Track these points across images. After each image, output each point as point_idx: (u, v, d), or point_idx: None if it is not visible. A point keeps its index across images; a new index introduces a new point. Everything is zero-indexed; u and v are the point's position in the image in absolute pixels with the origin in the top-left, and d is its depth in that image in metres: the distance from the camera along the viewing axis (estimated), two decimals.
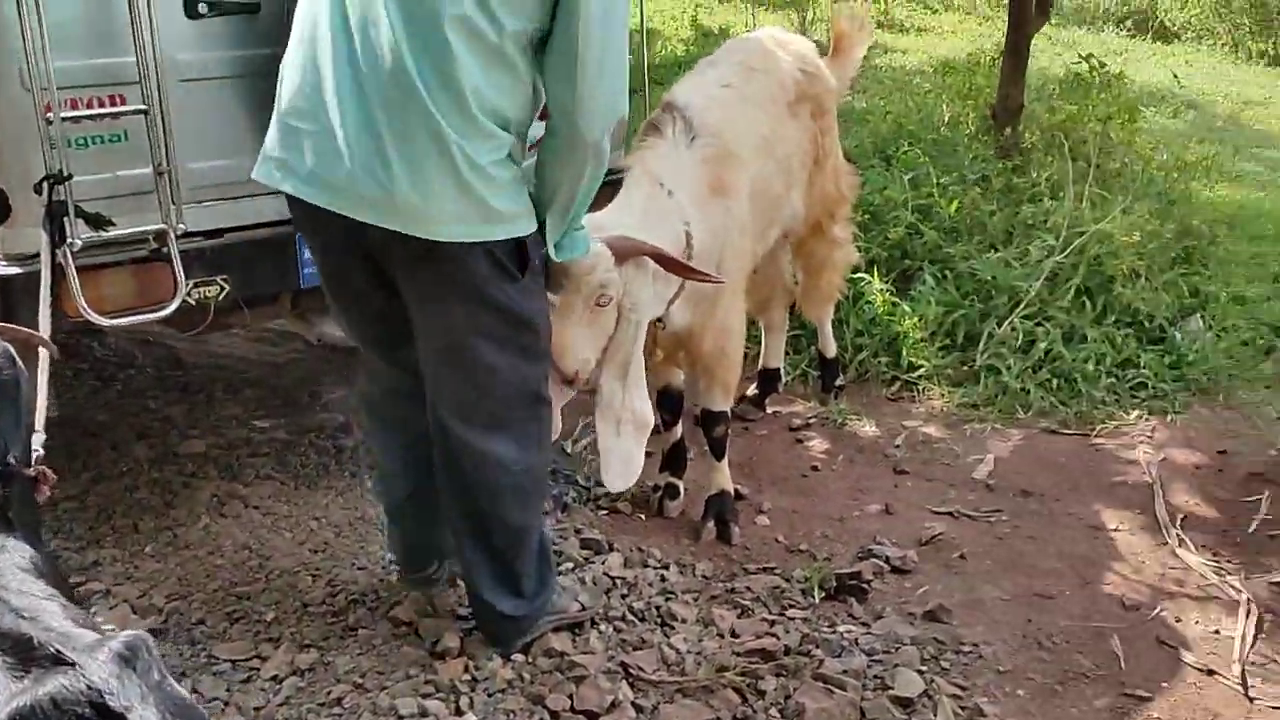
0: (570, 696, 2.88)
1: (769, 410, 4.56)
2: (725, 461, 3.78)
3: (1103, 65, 5.49)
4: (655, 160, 3.23)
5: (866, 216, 5.24)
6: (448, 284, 2.56)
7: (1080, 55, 5.81)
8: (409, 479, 3.04)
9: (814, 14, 10.68)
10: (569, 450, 4.24)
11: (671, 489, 3.88)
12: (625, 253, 2.97)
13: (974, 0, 12.64)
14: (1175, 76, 9.61)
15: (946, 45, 10.58)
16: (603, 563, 3.51)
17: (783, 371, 4.60)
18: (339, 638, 3.10)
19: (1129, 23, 12.24)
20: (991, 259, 4.89)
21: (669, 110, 3.34)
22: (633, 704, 2.87)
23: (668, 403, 3.83)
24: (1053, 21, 12.05)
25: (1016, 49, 5.43)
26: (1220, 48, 11.58)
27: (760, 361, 4.55)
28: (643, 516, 3.88)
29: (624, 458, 3.13)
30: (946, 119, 5.85)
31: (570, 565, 3.48)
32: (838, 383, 4.62)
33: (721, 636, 3.16)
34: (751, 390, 4.55)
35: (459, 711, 2.82)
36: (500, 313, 2.61)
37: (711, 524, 3.73)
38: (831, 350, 4.59)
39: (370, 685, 2.91)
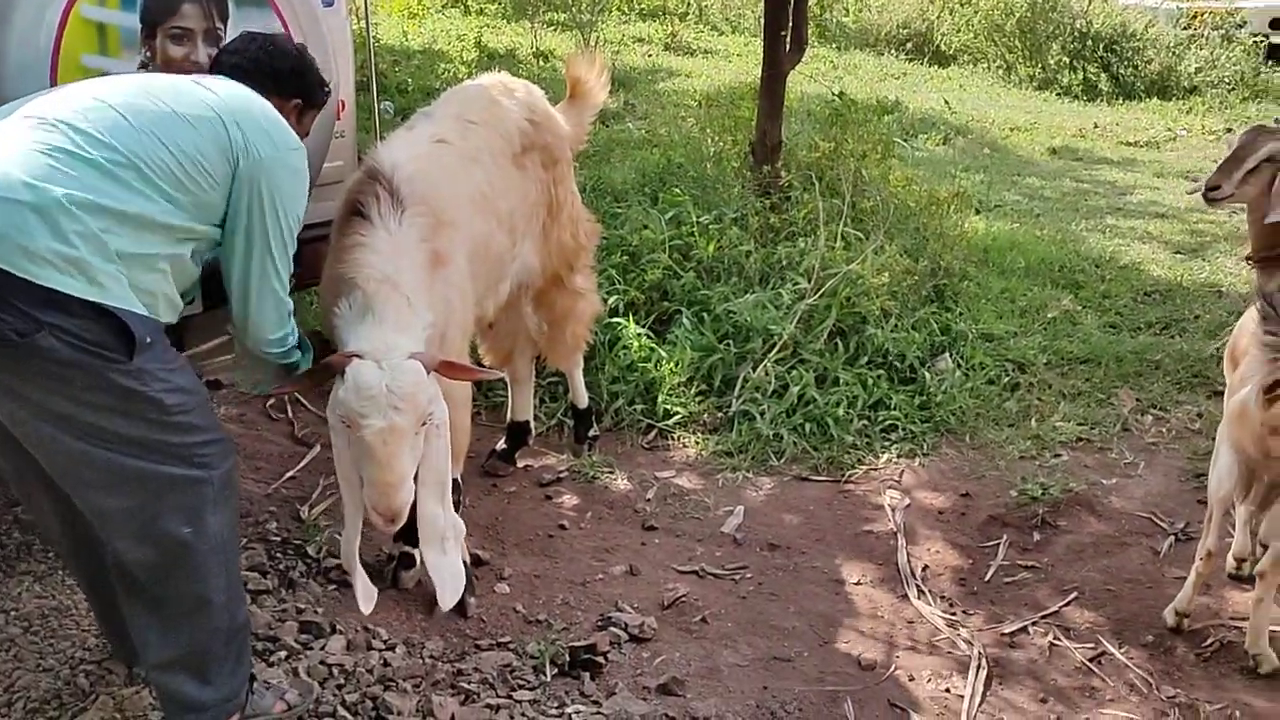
0: None
1: (520, 465, 4.39)
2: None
3: (853, 102, 5.54)
4: (381, 262, 2.96)
5: (625, 258, 5.13)
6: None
7: (834, 93, 5.85)
8: (86, 554, 2.73)
9: (600, 35, 10.61)
10: (303, 517, 3.97)
11: (406, 559, 3.66)
12: (429, 367, 2.85)
13: (760, 23, 12.80)
14: (947, 103, 9.95)
15: (732, 69, 10.66)
16: (322, 648, 3.27)
17: (532, 424, 4.43)
18: None
19: (909, 45, 12.63)
20: (748, 301, 4.85)
21: (372, 180, 3.07)
22: None
23: None
24: (835, 46, 12.39)
25: (772, 87, 5.43)
26: (993, 71, 12.05)
27: (509, 415, 4.38)
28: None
29: (454, 573, 3.02)
30: (711, 154, 5.81)
31: (284, 654, 3.22)
32: (591, 434, 4.49)
33: None
34: (501, 445, 4.38)
35: None
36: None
37: None
38: (583, 401, 4.46)
39: None
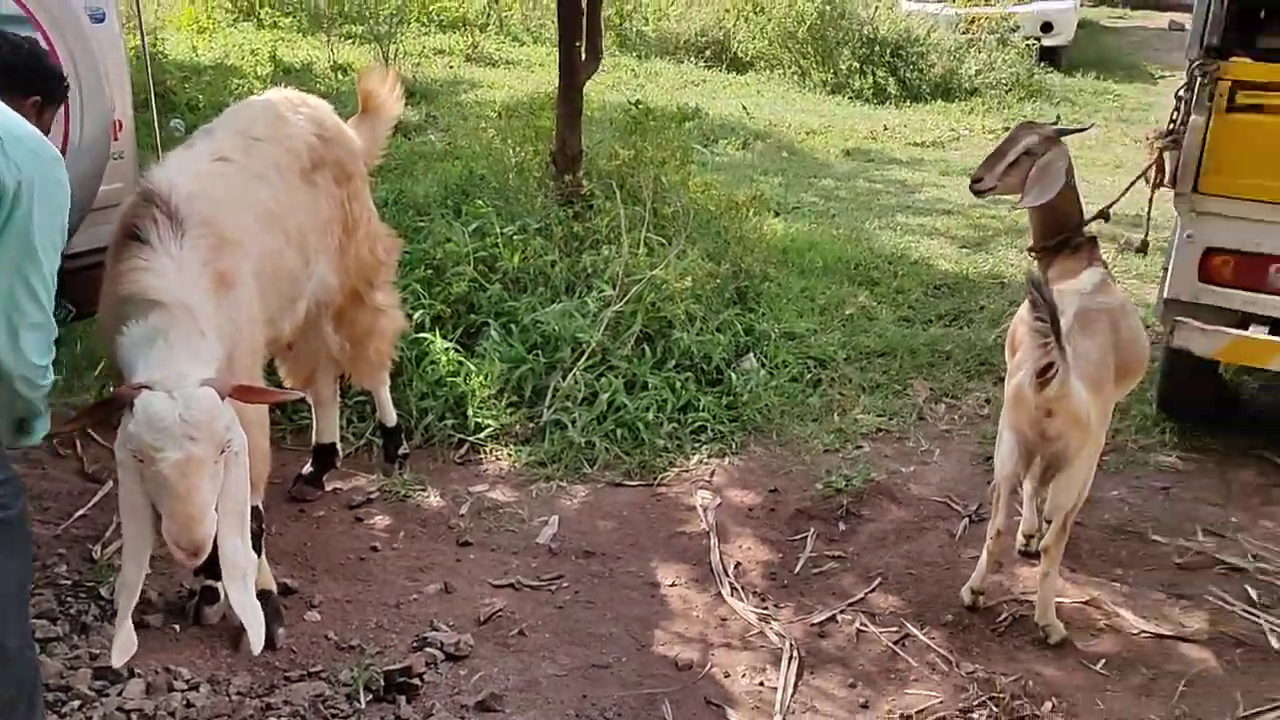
0: None
1: (329, 488, 4.27)
2: (264, 559, 3.45)
3: (650, 110, 5.61)
4: (165, 287, 2.83)
5: (429, 272, 5.06)
6: None
7: (630, 101, 5.92)
8: None
9: (399, 48, 10.43)
10: (96, 557, 3.76)
11: (208, 593, 3.51)
12: (223, 393, 2.75)
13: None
14: (745, 109, 10.20)
15: (535, 79, 10.65)
16: (119, 693, 3.11)
17: (339, 446, 4.31)
18: None
19: (707, 53, 12.89)
20: (555, 310, 4.85)
21: (149, 203, 2.92)
22: None
23: None
24: (636, 54, 12.54)
25: (569, 96, 5.45)
26: (789, 76, 12.41)
27: (314, 438, 4.25)
28: (177, 628, 3.48)
29: (256, 609, 2.90)
30: (513, 165, 5.78)
31: (78, 703, 3.05)
32: (401, 452, 4.41)
33: None
34: (307, 469, 4.25)
35: None
36: None
37: None
38: (391, 419, 4.37)
39: None
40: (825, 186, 8.09)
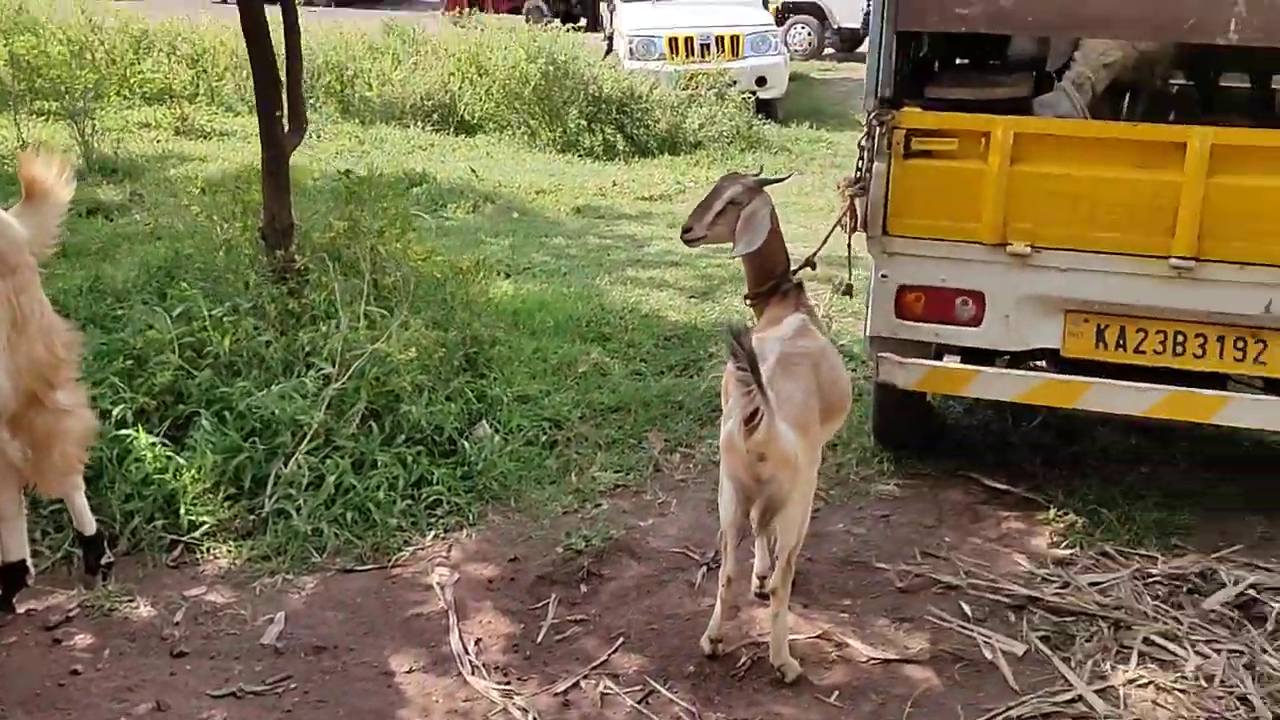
0: None
1: (20, 610, 3.89)
2: None
3: (363, 179, 5.47)
4: None
5: (129, 362, 4.73)
6: None
7: (340, 171, 5.77)
8: None
9: (95, 124, 9.83)
10: None
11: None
12: None
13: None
14: (474, 172, 10.18)
15: (251, 149, 10.25)
16: None
17: (30, 563, 3.94)
18: None
19: (434, 116, 12.83)
20: (273, 393, 4.62)
21: None
22: None
23: None
24: (360, 121, 12.33)
25: (274, 169, 5.24)
26: (518, 137, 12.49)
27: None
28: None
29: None
30: (220, 242, 5.52)
31: None
32: (104, 561, 4.07)
33: None
34: None
35: None
36: None
37: None
38: (90, 527, 4.04)
39: None
40: (556, 245, 8.13)
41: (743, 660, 3.71)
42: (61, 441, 3.72)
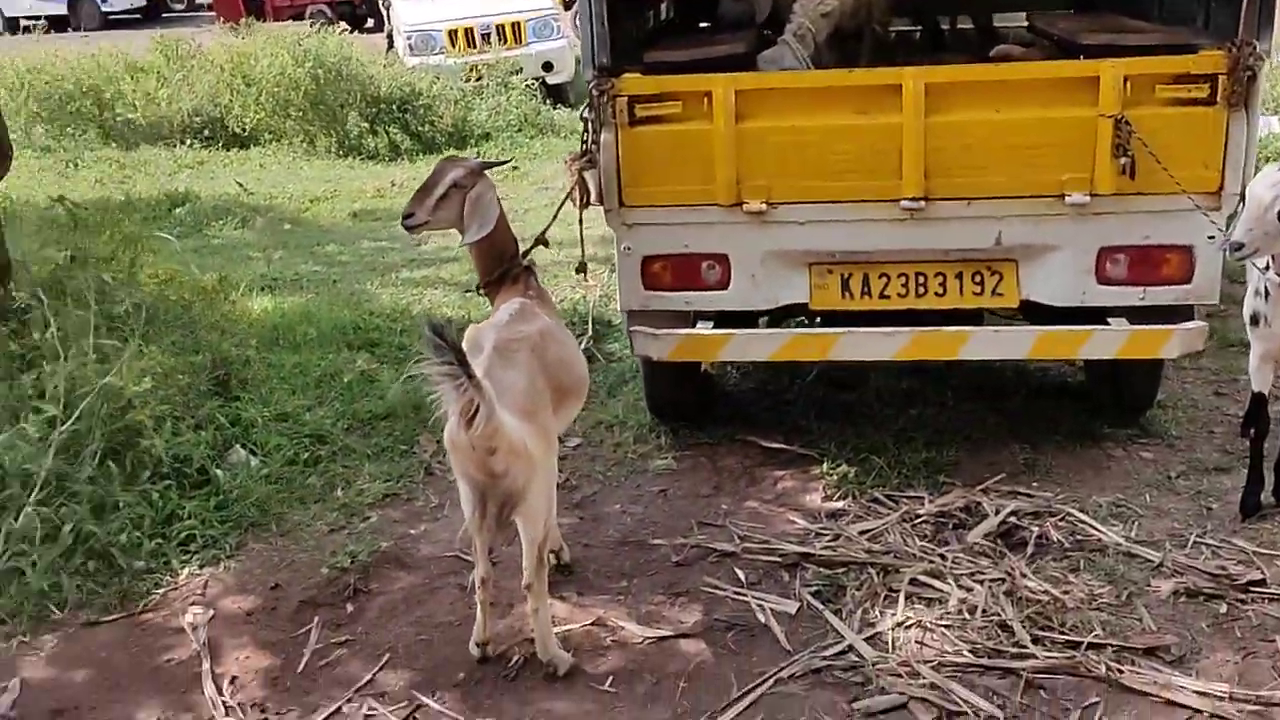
0: None
1: None
2: None
3: (77, 205, 5.13)
4: None
5: None
6: None
7: (51, 198, 5.40)
8: None
9: None
10: None
11: None
12: None
13: (29, 134, 11.77)
14: (241, 185, 9.77)
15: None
16: None
17: None
18: None
19: (205, 132, 12.28)
20: None
21: None
22: None
23: None
24: (117, 146, 11.71)
25: None
26: (296, 146, 12.06)
27: None
28: None
29: None
30: None
31: None
32: None
33: None
34: None
35: None
36: None
37: None
38: None
39: None
40: (328, 253, 7.86)
41: (515, 659, 3.60)
42: None
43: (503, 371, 3.19)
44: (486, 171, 3.77)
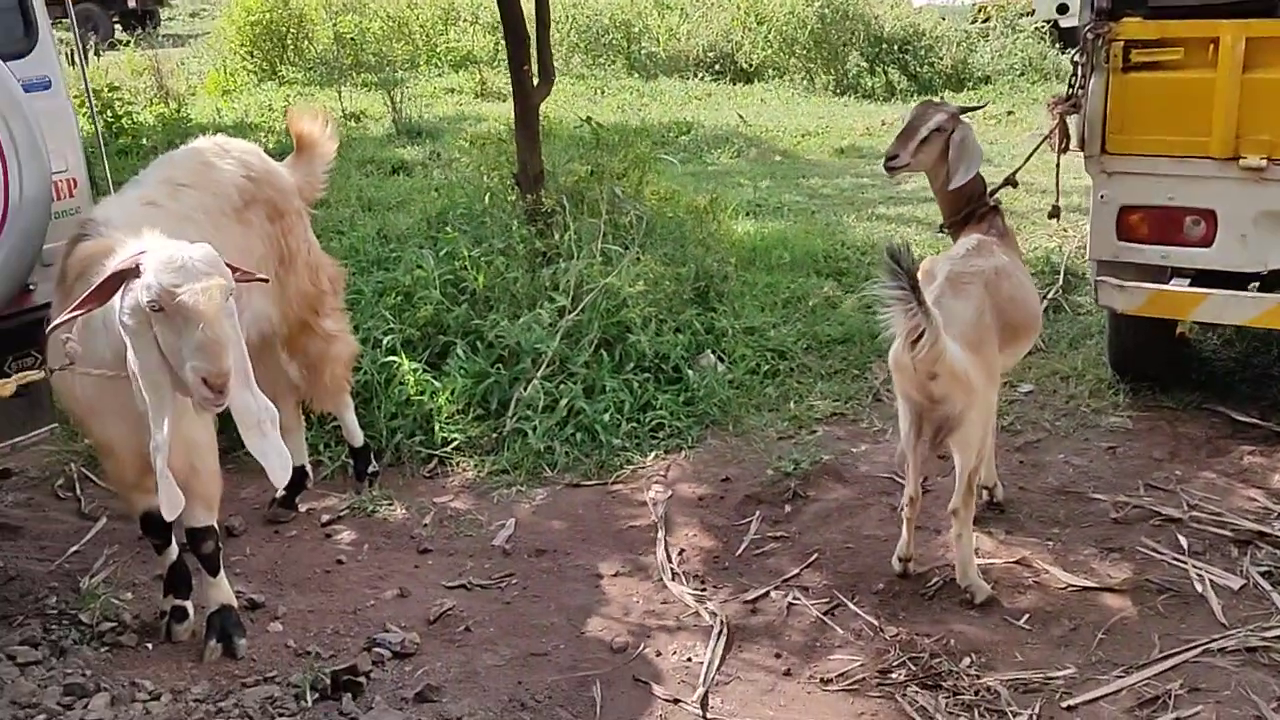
0: None
1: (303, 509, 4.50)
2: (222, 575, 3.67)
3: (601, 127, 5.81)
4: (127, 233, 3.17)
5: (400, 298, 5.30)
6: None
7: (581, 119, 6.11)
8: None
9: (406, 92, 10.77)
10: (82, 587, 4.02)
11: (178, 612, 3.74)
12: None
13: (568, 62, 13.16)
14: (741, 118, 10.37)
15: (544, 107, 10.91)
16: (85, 707, 3.34)
17: (309, 468, 4.54)
18: None
19: (717, 67, 13.09)
20: (518, 325, 5.05)
21: (89, 227, 3.25)
22: None
23: (152, 526, 3.66)
24: (639, 77, 12.77)
25: (525, 119, 5.67)
26: (796, 82, 12.55)
27: None
28: (149, 646, 3.72)
29: (279, 452, 3.20)
30: (484, 190, 6.03)
31: (44, 718, 3.29)
32: (371, 470, 4.62)
33: None
34: (280, 492, 4.49)
35: None
36: None
37: (214, 641, 3.61)
38: (358, 440, 4.59)
39: None
40: (811, 185, 8.22)
41: (934, 581, 3.77)
42: (331, 363, 4.26)
43: (952, 301, 3.33)
44: (964, 116, 3.87)
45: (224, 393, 2.94)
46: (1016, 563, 3.83)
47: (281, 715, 3.31)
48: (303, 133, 4.28)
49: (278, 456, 3.20)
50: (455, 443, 4.80)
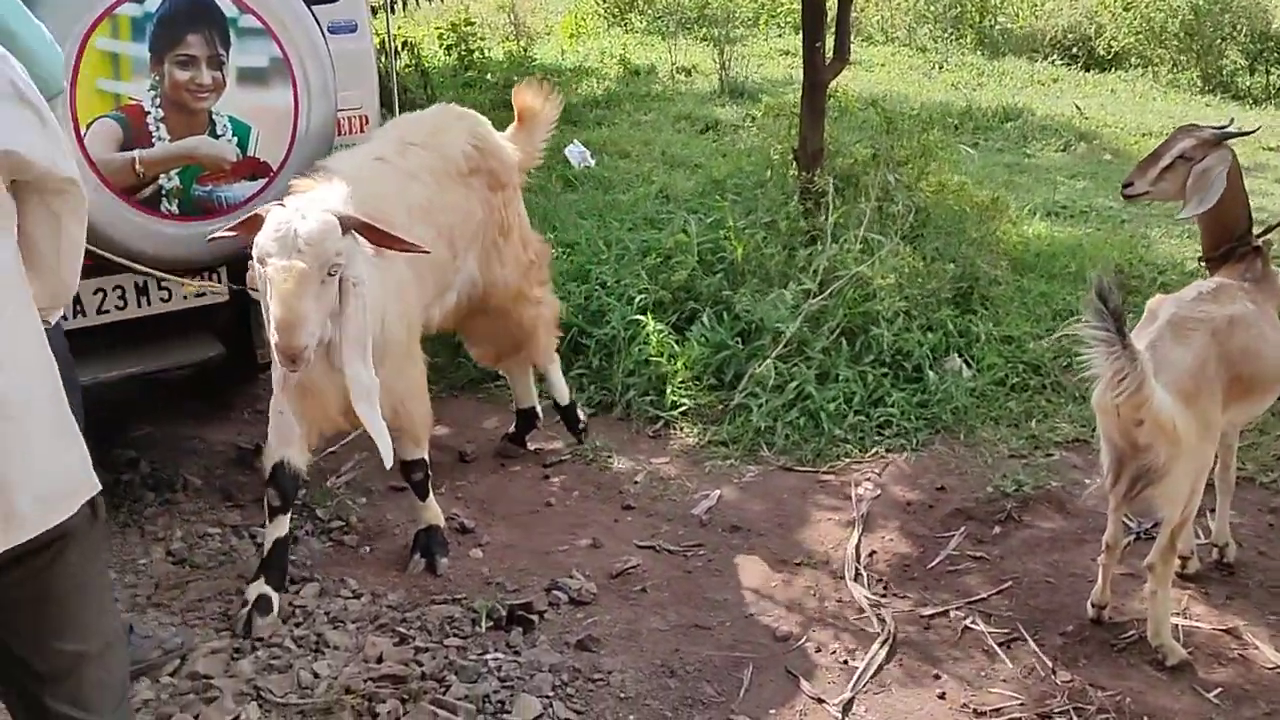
0: (196, 716, 3.15)
1: (530, 448, 4.78)
2: (431, 499, 3.95)
3: (885, 110, 5.66)
4: (332, 168, 3.41)
5: (659, 260, 5.46)
6: None
7: (869, 102, 5.98)
8: None
9: (742, 50, 10.88)
10: (327, 484, 4.49)
11: (263, 602, 3.53)
12: (347, 225, 3.10)
13: (913, 33, 12.79)
14: (1078, 108, 9.73)
15: (871, 78, 10.75)
16: (296, 593, 3.76)
17: (539, 409, 4.76)
18: None
19: (1074, 50, 12.30)
20: (764, 301, 5.09)
21: (321, 172, 3.46)
22: None
23: (282, 481, 3.61)
24: (985, 54, 12.23)
25: (812, 95, 5.62)
26: (1159, 76, 11.60)
27: (514, 404, 4.77)
28: (367, 549, 4.12)
29: (382, 430, 3.29)
30: (768, 162, 6.06)
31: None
32: (580, 426, 4.76)
33: (365, 662, 3.39)
34: (511, 429, 4.78)
35: None
36: None
37: (418, 556, 3.93)
38: (564, 397, 4.71)
39: None
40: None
41: (1129, 634, 3.52)
42: (542, 327, 4.46)
43: (1171, 347, 3.08)
44: (1227, 142, 3.53)
45: (295, 362, 3.02)
46: (1225, 631, 3.51)
47: (455, 635, 3.58)
48: (525, 105, 4.38)
49: (383, 433, 3.29)
50: (683, 408, 4.93)
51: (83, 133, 3.64)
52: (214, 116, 3.89)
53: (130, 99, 3.71)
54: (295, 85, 3.97)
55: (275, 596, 3.57)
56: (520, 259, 4.29)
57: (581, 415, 4.81)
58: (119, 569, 3.86)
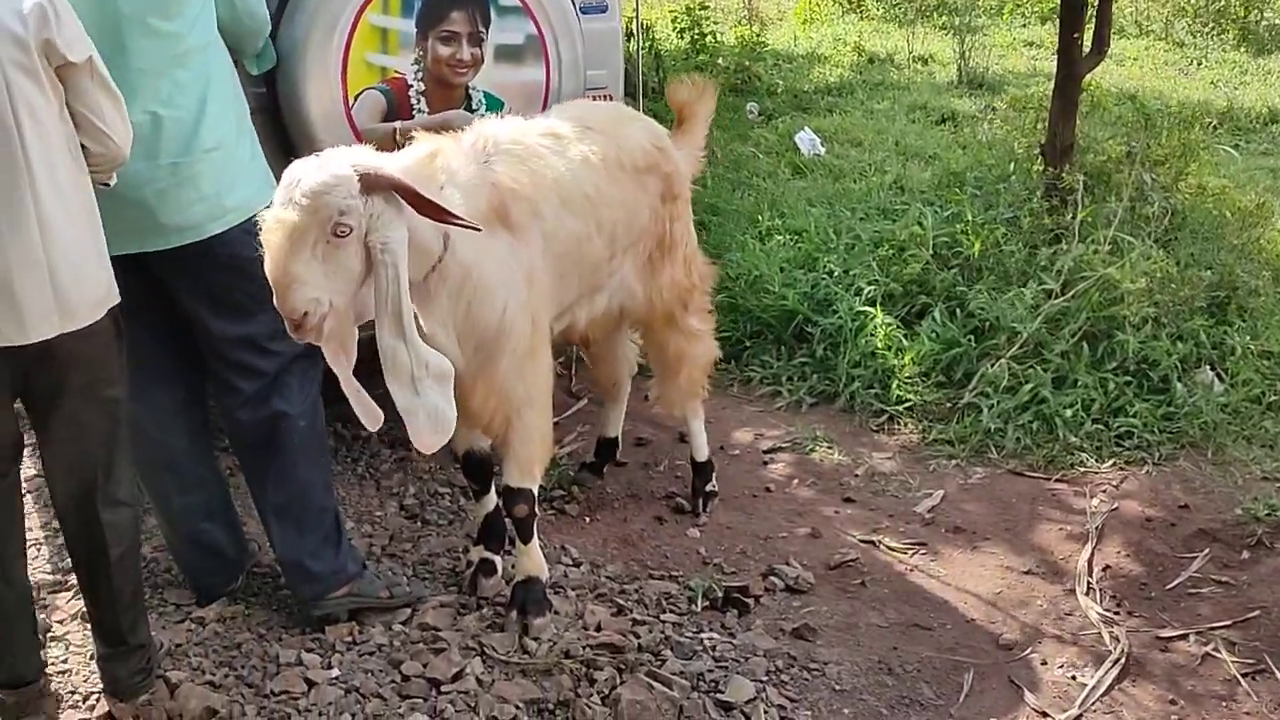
0: (424, 664, 3.29)
1: (749, 436, 4.77)
2: (535, 544, 3.48)
3: (1149, 109, 5.36)
4: (443, 153, 3.04)
5: (891, 252, 5.36)
6: None
7: (1127, 96, 5.67)
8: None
9: (985, 40, 10.52)
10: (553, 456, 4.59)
11: (486, 565, 3.62)
12: (375, 184, 2.67)
13: (1170, 27, 12.04)
14: None
15: (1120, 73, 10.19)
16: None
17: (620, 440, 4.44)
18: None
19: None
20: (1001, 299, 4.92)
21: (477, 133, 3.21)
22: (476, 677, 3.23)
23: (472, 469, 3.62)
24: (1248, 51, 11.40)
25: (1066, 89, 5.37)
26: None
27: (601, 431, 4.42)
28: (588, 519, 4.21)
29: (431, 413, 2.84)
30: (1012, 156, 5.84)
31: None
32: (709, 489, 4.23)
33: (585, 629, 3.48)
34: (590, 459, 4.45)
35: (329, 665, 3.28)
36: None
37: (514, 614, 3.43)
38: (703, 453, 4.20)
39: (270, 637, 3.42)
40: None
41: None
42: (689, 364, 3.97)
43: None
44: None
45: (300, 330, 2.67)
46: None
47: (670, 611, 3.62)
48: (683, 102, 3.99)
49: (429, 419, 2.84)
50: (909, 404, 4.82)
51: (351, 104, 3.84)
52: (470, 91, 4.03)
53: (396, 72, 3.89)
54: (548, 63, 4.07)
55: (498, 560, 3.65)
56: (679, 281, 3.83)
57: (714, 485, 4.27)
58: (356, 519, 4.08)
